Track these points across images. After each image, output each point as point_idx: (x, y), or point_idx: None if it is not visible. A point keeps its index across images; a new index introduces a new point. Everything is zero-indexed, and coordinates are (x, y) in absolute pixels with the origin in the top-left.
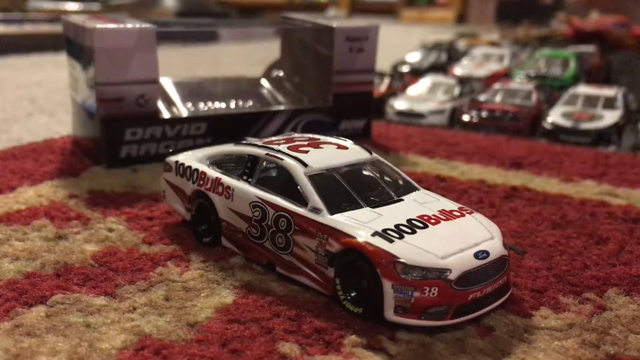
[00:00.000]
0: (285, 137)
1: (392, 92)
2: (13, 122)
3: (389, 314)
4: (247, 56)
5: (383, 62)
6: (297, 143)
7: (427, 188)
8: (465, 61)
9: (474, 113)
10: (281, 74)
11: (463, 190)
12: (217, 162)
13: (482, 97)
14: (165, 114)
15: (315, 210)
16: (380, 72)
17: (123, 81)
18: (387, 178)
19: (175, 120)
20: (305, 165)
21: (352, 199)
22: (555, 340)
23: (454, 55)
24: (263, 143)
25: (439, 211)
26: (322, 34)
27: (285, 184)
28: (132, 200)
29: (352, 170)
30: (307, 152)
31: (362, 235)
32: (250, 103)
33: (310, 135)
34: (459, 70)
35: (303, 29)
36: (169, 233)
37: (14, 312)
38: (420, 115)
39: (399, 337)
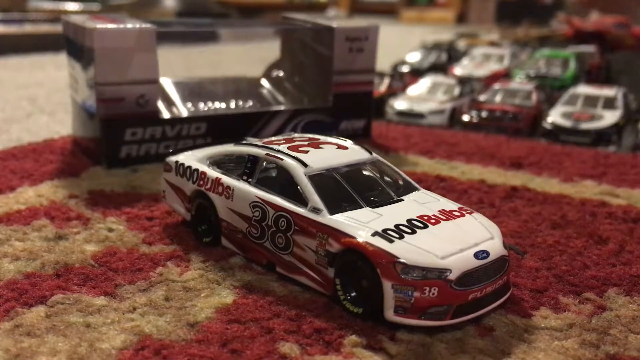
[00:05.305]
0: (285, 137)
1: (392, 92)
2: (13, 122)
3: (389, 314)
4: (247, 56)
5: (383, 62)
6: (297, 143)
7: (427, 188)
8: (465, 61)
9: (474, 113)
10: (281, 74)
11: (463, 190)
12: (217, 162)
13: (482, 97)
14: (165, 114)
15: (315, 210)
16: (380, 72)
17: (123, 81)
18: (387, 178)
19: (175, 120)
20: (305, 165)
21: (352, 199)
22: (555, 340)
23: (454, 55)
24: (263, 143)
25: (439, 211)
26: (322, 34)
27: (285, 184)
28: (132, 200)
29: (352, 171)
30: (307, 152)
31: (362, 235)
32: (250, 103)
33: (310, 135)
34: (459, 70)
35: (303, 29)
36: (169, 233)
37: (14, 312)
38: (420, 115)
39: (399, 337)
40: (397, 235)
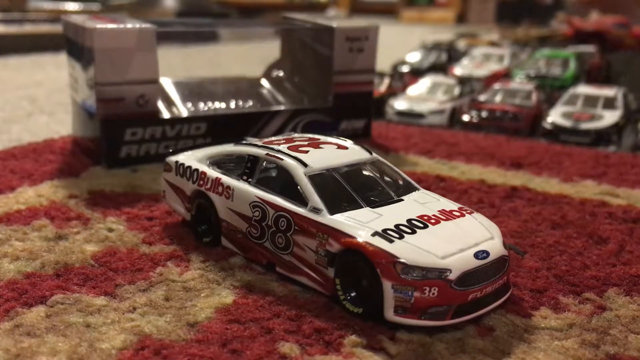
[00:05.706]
0: (285, 137)
1: (392, 92)
2: (13, 122)
3: (389, 314)
4: (247, 56)
5: (383, 62)
6: (297, 143)
7: (427, 188)
8: (465, 61)
9: (474, 113)
10: (281, 74)
11: (463, 190)
12: (217, 162)
13: (482, 97)
14: (165, 114)
15: (315, 210)
16: (380, 72)
17: (123, 81)
18: (387, 178)
19: (175, 120)
20: (305, 165)
21: (352, 199)
22: (555, 340)
23: (454, 55)
24: (263, 143)
25: (439, 211)
26: (322, 34)
27: (285, 184)
28: (132, 200)
29: (352, 171)
30: (307, 152)
31: (362, 235)
32: (250, 103)
33: (310, 135)
34: (459, 70)
35: (303, 29)
36: (169, 233)
37: (14, 312)
38: (420, 115)
39: (399, 337)
40: (397, 235)
